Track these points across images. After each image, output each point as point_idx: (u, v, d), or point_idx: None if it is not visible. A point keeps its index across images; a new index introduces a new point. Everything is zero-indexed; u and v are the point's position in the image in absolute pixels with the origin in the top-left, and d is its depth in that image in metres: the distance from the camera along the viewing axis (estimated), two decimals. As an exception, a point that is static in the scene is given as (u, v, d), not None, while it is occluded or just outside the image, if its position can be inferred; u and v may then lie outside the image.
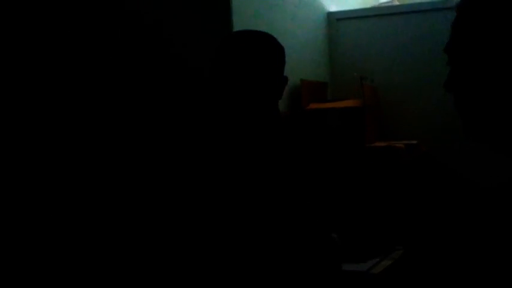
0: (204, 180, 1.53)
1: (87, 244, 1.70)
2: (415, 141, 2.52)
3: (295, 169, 1.57)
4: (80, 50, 1.83)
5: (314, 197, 1.59)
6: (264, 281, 1.45)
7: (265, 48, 1.53)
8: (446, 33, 0.96)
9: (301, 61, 2.62)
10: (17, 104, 1.62)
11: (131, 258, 1.67)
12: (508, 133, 0.90)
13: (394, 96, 2.74)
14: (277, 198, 1.50)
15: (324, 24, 2.81)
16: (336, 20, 2.80)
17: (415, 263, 2.38)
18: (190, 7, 2.09)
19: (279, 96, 1.59)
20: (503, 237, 0.88)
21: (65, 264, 1.62)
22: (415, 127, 2.72)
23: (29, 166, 1.63)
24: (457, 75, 0.94)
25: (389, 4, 2.90)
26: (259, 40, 1.54)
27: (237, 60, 1.51)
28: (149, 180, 1.73)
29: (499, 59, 0.87)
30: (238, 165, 1.54)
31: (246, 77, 1.49)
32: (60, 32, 1.76)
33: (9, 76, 1.60)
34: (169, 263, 1.50)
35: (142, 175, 1.80)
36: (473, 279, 0.91)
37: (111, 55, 1.93)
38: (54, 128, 1.71)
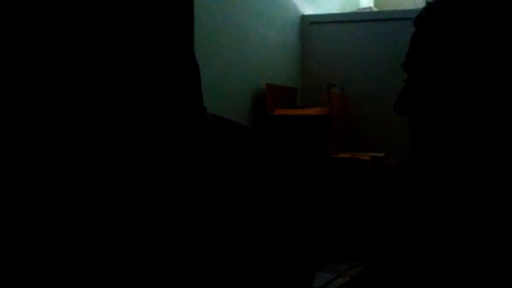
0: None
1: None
2: (382, 154, 2.42)
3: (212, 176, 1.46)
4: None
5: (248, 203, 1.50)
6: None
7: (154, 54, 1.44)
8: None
9: (270, 65, 2.52)
10: None
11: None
12: (467, 161, 0.80)
13: (365, 106, 2.63)
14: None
15: (297, 27, 2.70)
16: (309, 23, 2.69)
17: (375, 280, 2.28)
18: (153, 5, 1.99)
19: (196, 95, 1.47)
20: (462, 255, 0.79)
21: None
22: (386, 139, 2.61)
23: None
24: (413, 95, 0.83)
25: (368, 10, 2.80)
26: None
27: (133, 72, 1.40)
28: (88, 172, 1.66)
29: (461, 76, 0.77)
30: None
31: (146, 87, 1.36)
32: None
33: None
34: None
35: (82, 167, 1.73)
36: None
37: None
38: None
